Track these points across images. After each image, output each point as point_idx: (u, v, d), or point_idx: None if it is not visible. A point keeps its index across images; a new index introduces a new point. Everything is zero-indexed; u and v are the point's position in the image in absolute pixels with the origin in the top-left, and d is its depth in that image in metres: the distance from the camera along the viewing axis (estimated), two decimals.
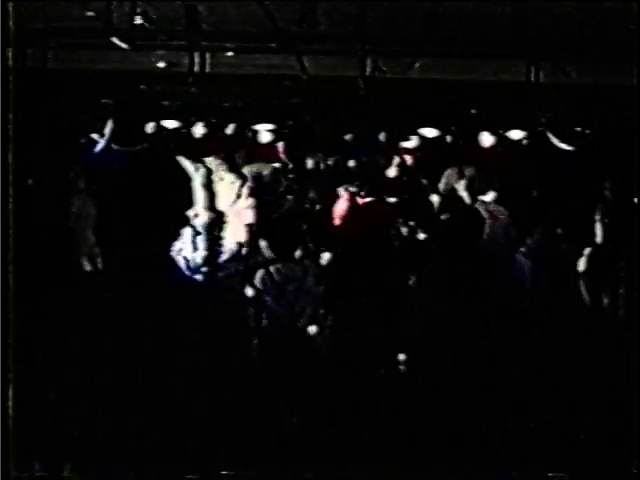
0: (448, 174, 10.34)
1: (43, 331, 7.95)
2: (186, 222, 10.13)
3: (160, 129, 10.26)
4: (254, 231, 10.01)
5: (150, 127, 10.26)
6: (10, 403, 6.51)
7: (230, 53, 9.39)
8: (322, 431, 7.97)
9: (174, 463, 7.33)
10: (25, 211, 7.92)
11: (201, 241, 10.06)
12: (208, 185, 10.26)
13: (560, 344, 8.80)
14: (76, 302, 8.56)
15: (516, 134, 10.20)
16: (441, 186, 10.35)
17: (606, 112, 9.53)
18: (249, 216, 10.16)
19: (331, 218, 10.12)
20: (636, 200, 9.22)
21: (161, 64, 9.45)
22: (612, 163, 9.57)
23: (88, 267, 9.42)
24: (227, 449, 7.61)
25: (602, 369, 8.41)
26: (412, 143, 10.45)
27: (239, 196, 10.25)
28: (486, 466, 7.45)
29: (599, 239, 9.74)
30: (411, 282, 9.50)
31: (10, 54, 7.44)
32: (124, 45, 9.16)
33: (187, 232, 10.07)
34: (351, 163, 10.51)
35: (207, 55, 9.49)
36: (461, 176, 10.25)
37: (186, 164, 10.22)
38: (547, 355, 8.68)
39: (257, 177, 10.32)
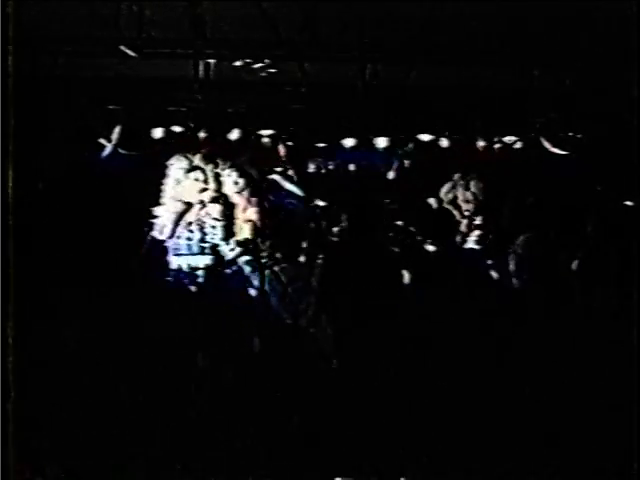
0: (453, 183, 10.23)
1: (43, 331, 7.71)
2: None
3: (166, 134, 10.12)
4: (257, 230, 9.88)
5: (157, 132, 10.12)
6: (10, 404, 6.27)
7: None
8: (324, 433, 7.74)
9: (175, 465, 7.11)
10: (31, 214, 7.77)
11: (209, 239, 9.93)
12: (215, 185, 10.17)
13: (554, 345, 8.58)
14: (77, 302, 8.36)
15: (510, 139, 10.06)
16: (444, 191, 10.22)
17: (598, 117, 9.33)
18: (252, 216, 9.99)
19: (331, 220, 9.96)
20: (631, 203, 9.05)
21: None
22: (605, 167, 9.38)
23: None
24: (230, 452, 7.38)
25: (598, 370, 8.17)
26: (410, 148, 10.30)
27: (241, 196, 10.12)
28: (484, 469, 7.24)
29: (592, 242, 9.51)
30: (408, 282, 9.33)
31: (18, 60, 7.23)
32: (132, 53, 8.98)
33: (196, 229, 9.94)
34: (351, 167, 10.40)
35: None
36: (467, 187, 10.15)
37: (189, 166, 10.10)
38: (542, 356, 8.45)
39: (259, 179, 10.21)
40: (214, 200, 10.00)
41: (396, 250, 9.65)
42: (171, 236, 9.89)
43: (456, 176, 10.26)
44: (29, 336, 6.96)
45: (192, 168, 10.14)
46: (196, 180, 10.09)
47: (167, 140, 10.10)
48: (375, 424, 7.79)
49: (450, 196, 10.29)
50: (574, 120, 9.59)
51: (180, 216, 9.88)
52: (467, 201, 10.09)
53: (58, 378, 7.65)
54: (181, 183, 10.10)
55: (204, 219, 9.98)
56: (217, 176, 10.17)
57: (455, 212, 10.20)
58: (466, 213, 10.11)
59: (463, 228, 10.09)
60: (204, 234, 9.90)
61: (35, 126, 8.50)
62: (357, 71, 9.14)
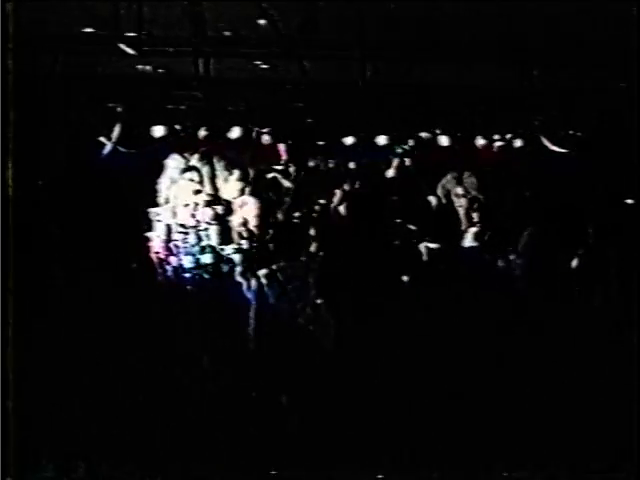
0: (447, 179, 10.23)
1: (43, 331, 7.71)
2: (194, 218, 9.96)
3: (166, 132, 10.08)
4: (255, 230, 9.86)
5: (156, 130, 10.08)
6: (10, 403, 6.28)
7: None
8: (323, 429, 7.74)
9: (174, 463, 7.12)
10: (30, 212, 7.78)
11: (207, 237, 9.91)
12: (213, 182, 10.15)
13: (553, 343, 8.58)
14: (77, 302, 8.35)
15: (510, 137, 10.02)
16: (439, 189, 10.22)
17: (598, 115, 9.31)
18: (251, 215, 9.97)
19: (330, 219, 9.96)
20: (631, 201, 9.04)
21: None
22: (604, 165, 9.36)
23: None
24: (229, 449, 7.39)
25: (595, 368, 8.17)
26: (409, 146, 10.26)
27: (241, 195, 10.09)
28: (485, 467, 7.24)
29: (591, 239, 9.51)
30: (406, 280, 9.34)
31: (18, 59, 7.23)
32: (131, 51, 8.96)
33: (195, 228, 9.93)
34: (351, 165, 10.36)
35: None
36: (459, 182, 10.14)
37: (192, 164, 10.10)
38: (541, 354, 8.45)
39: (258, 178, 10.20)
40: (208, 204, 9.98)
41: (395, 247, 9.68)
42: (169, 237, 9.90)
43: (451, 172, 10.26)
44: (29, 335, 6.97)
45: (187, 168, 10.13)
46: (191, 180, 10.07)
47: (167, 138, 10.06)
48: (374, 420, 7.82)
49: (444, 190, 10.30)
50: (574, 118, 9.56)
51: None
52: (460, 195, 10.10)
53: (58, 377, 7.66)
54: (176, 183, 10.09)
55: (199, 220, 9.97)
56: (213, 178, 10.16)
57: (453, 208, 10.21)
58: (461, 209, 10.12)
59: (462, 225, 10.10)
60: (199, 237, 9.89)
61: (35, 124, 8.49)
62: (357, 69, 9.12)
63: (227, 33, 8.73)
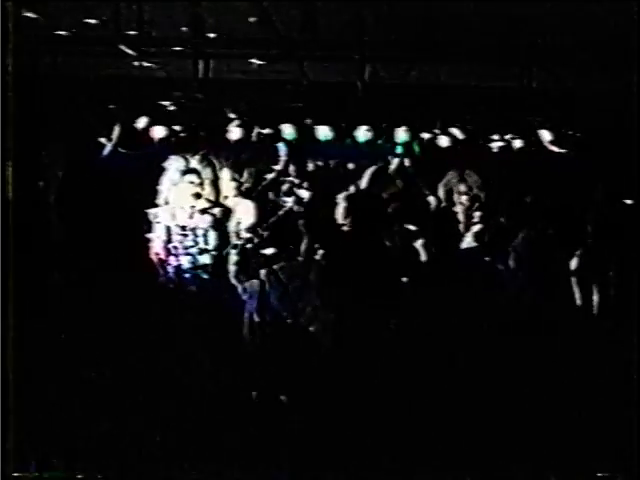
0: (450, 176, 10.23)
1: (43, 331, 7.70)
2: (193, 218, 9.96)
3: (166, 133, 10.07)
4: (255, 230, 9.85)
5: (156, 131, 10.06)
6: (10, 403, 6.26)
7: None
8: (323, 430, 7.72)
9: (173, 464, 7.09)
10: (32, 212, 7.79)
11: (207, 238, 9.89)
12: (214, 183, 10.14)
13: (552, 343, 8.56)
14: (76, 302, 8.34)
15: (510, 138, 10.02)
16: (441, 187, 10.22)
17: (598, 115, 9.31)
18: (250, 216, 9.95)
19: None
20: (630, 201, 9.04)
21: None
22: (604, 165, 9.36)
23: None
24: (227, 450, 7.36)
25: (595, 369, 8.16)
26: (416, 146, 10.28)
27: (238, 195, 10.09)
28: (485, 468, 7.22)
29: (591, 240, 9.50)
30: (406, 281, 9.31)
31: (18, 60, 7.21)
32: (131, 52, 8.97)
33: (194, 229, 9.91)
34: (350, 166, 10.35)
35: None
36: (461, 180, 10.13)
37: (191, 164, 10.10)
38: (540, 355, 8.43)
39: (257, 177, 10.19)
40: (204, 211, 9.98)
41: (395, 248, 9.65)
42: (168, 238, 9.89)
43: (454, 170, 10.26)
44: (29, 335, 6.95)
45: (187, 170, 10.12)
46: (191, 183, 10.06)
47: (167, 139, 10.05)
48: (374, 420, 7.80)
49: (446, 188, 10.30)
50: (574, 118, 9.56)
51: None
52: (462, 193, 10.10)
53: (58, 377, 7.65)
54: (176, 185, 10.08)
55: (198, 224, 9.96)
56: (213, 180, 10.16)
57: (453, 208, 10.21)
58: (461, 208, 10.12)
59: (461, 226, 10.09)
60: (198, 239, 9.88)
61: (35, 125, 8.49)
62: (356, 70, 9.15)
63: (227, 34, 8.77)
